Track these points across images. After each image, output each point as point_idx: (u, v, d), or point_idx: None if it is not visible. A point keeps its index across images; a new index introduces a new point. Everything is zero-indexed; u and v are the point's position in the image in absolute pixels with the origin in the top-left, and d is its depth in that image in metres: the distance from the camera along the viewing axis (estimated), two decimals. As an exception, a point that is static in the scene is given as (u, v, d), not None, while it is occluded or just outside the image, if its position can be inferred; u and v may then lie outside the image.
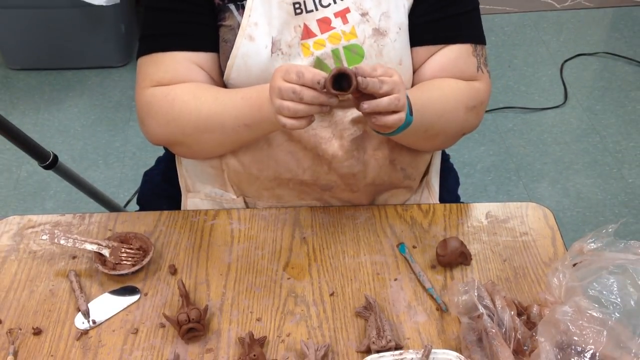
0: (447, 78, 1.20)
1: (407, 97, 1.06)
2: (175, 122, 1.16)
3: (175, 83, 1.16)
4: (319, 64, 1.15)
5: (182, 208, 1.34)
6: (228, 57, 1.15)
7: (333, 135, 1.19)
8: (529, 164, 2.58)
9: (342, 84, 0.98)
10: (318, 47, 1.14)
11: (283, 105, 1.00)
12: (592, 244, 1.02)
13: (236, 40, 1.14)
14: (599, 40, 3.22)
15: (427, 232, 1.20)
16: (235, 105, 1.12)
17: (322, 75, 0.99)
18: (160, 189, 1.44)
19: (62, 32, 2.85)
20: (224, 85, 1.21)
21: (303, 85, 0.99)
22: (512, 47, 3.16)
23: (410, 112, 1.07)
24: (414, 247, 1.17)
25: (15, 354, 1.01)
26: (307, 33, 1.15)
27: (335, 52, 1.15)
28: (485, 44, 1.24)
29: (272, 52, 1.13)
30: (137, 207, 1.47)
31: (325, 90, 0.99)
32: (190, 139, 1.20)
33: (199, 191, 1.32)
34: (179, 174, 1.35)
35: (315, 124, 1.18)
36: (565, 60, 3.07)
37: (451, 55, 1.20)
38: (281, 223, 1.21)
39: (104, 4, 2.66)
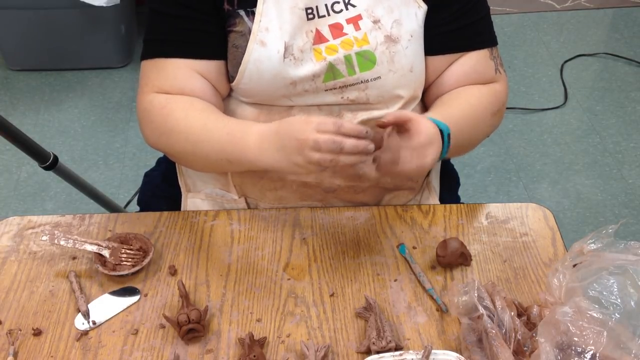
0: (471, 86, 1.22)
1: (446, 134, 1.09)
2: (166, 137, 1.17)
3: (175, 90, 1.16)
4: (331, 68, 1.15)
5: (182, 208, 1.34)
6: (239, 63, 1.15)
7: None
8: (529, 165, 2.58)
9: None
10: (330, 53, 1.15)
11: (322, 158, 0.98)
12: (592, 245, 1.02)
13: (248, 46, 1.14)
14: (599, 41, 3.22)
15: (427, 233, 1.20)
16: (220, 140, 1.12)
17: (362, 127, 0.99)
18: (161, 189, 1.44)
19: (62, 33, 2.86)
20: (230, 91, 1.21)
21: (343, 134, 0.98)
22: (512, 48, 3.16)
23: (449, 140, 1.10)
24: (414, 247, 1.17)
25: (15, 354, 1.01)
26: (319, 38, 1.15)
27: (347, 58, 1.15)
28: (497, 44, 1.25)
29: (284, 57, 1.13)
30: (137, 208, 1.47)
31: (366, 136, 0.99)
32: (179, 156, 1.21)
33: (199, 191, 1.32)
34: (178, 174, 1.35)
35: None
36: (566, 61, 3.07)
37: (470, 62, 1.22)
38: (281, 224, 1.21)
39: (104, 5, 2.66)
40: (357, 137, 0.98)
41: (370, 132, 0.99)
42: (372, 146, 1.00)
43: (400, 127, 1.05)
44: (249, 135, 1.08)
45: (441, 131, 1.09)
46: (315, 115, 1.05)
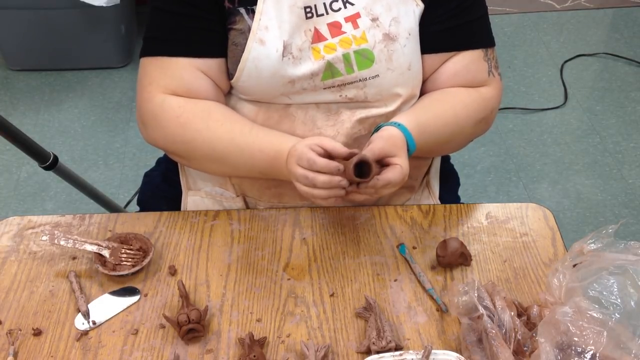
0: (462, 90, 1.22)
1: (407, 129, 1.12)
2: (185, 146, 1.18)
3: (182, 90, 1.16)
4: (329, 67, 1.15)
5: (182, 206, 1.34)
6: (238, 61, 1.15)
7: (338, 133, 1.19)
8: (529, 165, 2.58)
9: (363, 170, 1.03)
10: (329, 51, 1.15)
11: (302, 189, 1.06)
12: (592, 245, 1.02)
13: (247, 44, 1.14)
14: (599, 41, 3.22)
15: (427, 233, 1.20)
16: (253, 156, 1.15)
17: (335, 164, 1.03)
18: (161, 189, 1.44)
19: (63, 33, 2.86)
20: (230, 88, 1.21)
21: (317, 171, 1.04)
22: (512, 48, 3.16)
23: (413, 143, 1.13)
24: (414, 247, 1.17)
25: (15, 354, 1.01)
26: (317, 37, 1.15)
27: (346, 57, 1.15)
28: (494, 45, 1.25)
29: (282, 56, 1.13)
30: (137, 208, 1.47)
31: (342, 172, 1.04)
32: (195, 163, 1.22)
33: (199, 189, 1.32)
34: (180, 172, 1.35)
35: (321, 122, 1.19)
36: (566, 61, 3.07)
37: (463, 62, 1.22)
38: (281, 223, 1.21)
39: (104, 5, 2.66)
40: (330, 173, 1.03)
41: (342, 169, 1.03)
42: (345, 182, 1.04)
43: (380, 161, 1.08)
44: (282, 154, 1.11)
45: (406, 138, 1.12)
46: (305, 143, 1.07)
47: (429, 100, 1.22)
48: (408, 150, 1.12)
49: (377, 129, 1.15)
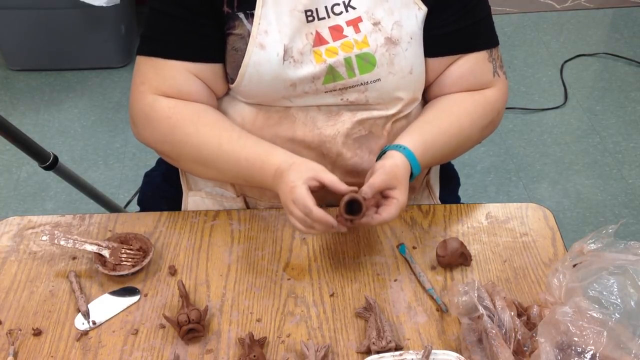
0: (466, 97, 1.22)
1: (412, 154, 1.12)
2: (173, 147, 1.18)
3: (173, 92, 1.16)
4: (331, 71, 1.15)
5: (182, 206, 1.34)
6: (239, 66, 1.15)
7: (338, 132, 1.19)
8: (529, 165, 2.58)
9: (353, 207, 1.04)
10: (330, 55, 1.14)
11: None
12: (592, 245, 1.02)
13: (247, 49, 1.14)
14: (599, 41, 3.22)
15: (427, 233, 1.20)
16: (239, 164, 1.14)
17: (330, 222, 1.04)
18: (161, 189, 1.44)
19: (63, 33, 2.86)
20: (228, 90, 1.21)
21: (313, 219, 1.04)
22: (512, 48, 3.16)
23: (417, 164, 1.13)
24: (414, 247, 1.17)
25: (15, 354, 1.01)
26: (319, 40, 1.15)
27: (347, 60, 1.15)
28: (498, 44, 1.25)
29: (283, 60, 1.13)
30: (138, 208, 1.47)
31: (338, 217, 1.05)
32: (183, 164, 1.23)
33: (200, 189, 1.32)
34: (180, 172, 1.36)
35: (321, 122, 1.19)
36: (566, 61, 3.07)
37: (468, 64, 1.21)
38: (281, 224, 1.21)
39: (104, 5, 2.66)
40: (325, 225, 1.04)
41: (336, 225, 1.04)
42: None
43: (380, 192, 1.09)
44: (269, 166, 1.11)
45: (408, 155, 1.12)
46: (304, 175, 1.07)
47: (433, 114, 1.21)
48: (412, 174, 1.12)
49: (383, 152, 1.14)
